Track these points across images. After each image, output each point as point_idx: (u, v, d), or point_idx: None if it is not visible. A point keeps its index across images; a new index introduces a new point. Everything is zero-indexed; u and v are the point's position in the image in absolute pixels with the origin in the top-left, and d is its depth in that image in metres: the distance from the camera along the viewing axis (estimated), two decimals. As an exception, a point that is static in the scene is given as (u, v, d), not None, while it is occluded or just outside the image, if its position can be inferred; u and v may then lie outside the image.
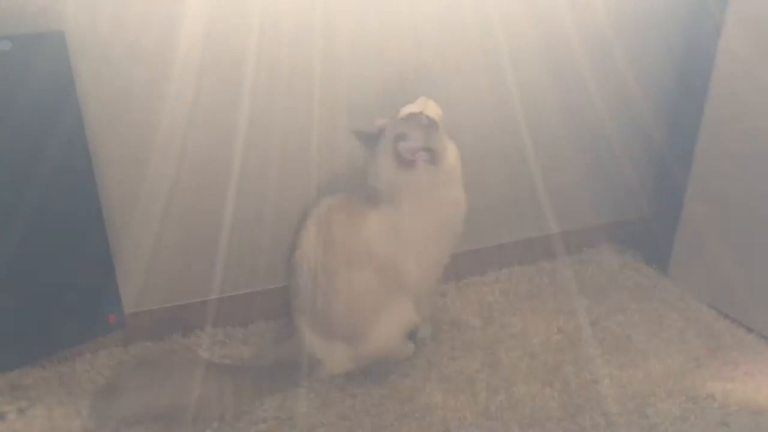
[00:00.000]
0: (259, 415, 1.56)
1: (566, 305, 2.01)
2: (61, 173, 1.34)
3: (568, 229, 2.28)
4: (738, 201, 1.91)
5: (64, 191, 1.35)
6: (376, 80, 1.79)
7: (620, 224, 2.37)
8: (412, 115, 1.58)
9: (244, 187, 1.76)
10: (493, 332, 1.88)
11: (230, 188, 1.74)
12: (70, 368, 1.67)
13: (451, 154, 1.64)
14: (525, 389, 1.66)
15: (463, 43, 1.85)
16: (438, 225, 1.66)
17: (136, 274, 1.72)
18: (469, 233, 2.04)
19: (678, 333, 1.89)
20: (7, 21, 1.37)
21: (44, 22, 1.40)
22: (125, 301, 1.51)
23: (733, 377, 1.72)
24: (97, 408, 1.52)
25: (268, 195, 1.79)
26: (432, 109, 1.61)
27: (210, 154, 1.69)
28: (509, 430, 1.54)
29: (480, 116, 1.96)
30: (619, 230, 2.37)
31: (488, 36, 1.87)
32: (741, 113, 1.86)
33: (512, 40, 1.90)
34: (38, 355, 1.52)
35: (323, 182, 1.83)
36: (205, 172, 1.70)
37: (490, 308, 1.99)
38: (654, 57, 2.14)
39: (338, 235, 1.60)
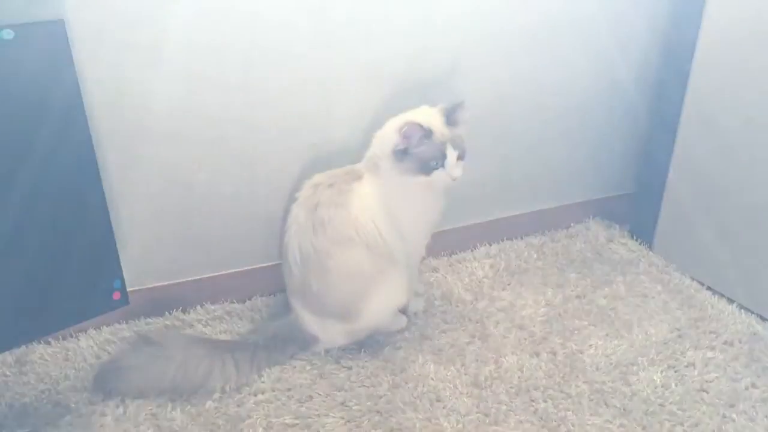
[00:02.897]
0: (258, 387, 1.61)
1: (554, 279, 2.06)
2: (62, 158, 1.36)
3: (556, 204, 2.32)
4: (720, 176, 1.94)
5: (67, 174, 1.38)
6: (367, 64, 1.82)
7: (607, 200, 2.41)
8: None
9: (240, 166, 1.79)
10: (483, 306, 1.93)
11: (227, 167, 1.78)
12: (75, 344, 1.72)
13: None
14: (513, 360, 1.72)
15: (457, 29, 1.88)
16: (420, 203, 1.70)
17: (138, 254, 1.77)
18: (460, 210, 2.10)
19: (661, 304, 1.94)
20: (7, 10, 1.40)
21: (44, 11, 1.43)
22: (127, 279, 1.55)
23: (713, 346, 1.77)
24: (102, 383, 1.57)
25: (263, 173, 1.83)
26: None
27: (206, 135, 1.72)
28: (498, 398, 1.60)
29: (469, 96, 1.97)
30: (605, 206, 2.41)
31: (477, 22, 1.90)
32: (724, 90, 1.89)
33: (500, 23, 1.93)
34: (45, 331, 1.57)
35: (316, 161, 1.86)
36: (202, 152, 1.73)
37: (480, 283, 2.04)
38: (638, 35, 2.16)
39: (326, 215, 1.61)
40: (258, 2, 1.63)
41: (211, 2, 1.58)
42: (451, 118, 1.64)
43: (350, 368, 1.69)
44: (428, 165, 1.59)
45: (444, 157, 1.59)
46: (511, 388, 1.63)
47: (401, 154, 1.60)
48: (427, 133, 1.59)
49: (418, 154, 1.59)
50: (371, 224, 1.63)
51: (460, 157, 1.62)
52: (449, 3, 1.84)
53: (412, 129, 1.57)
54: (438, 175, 1.60)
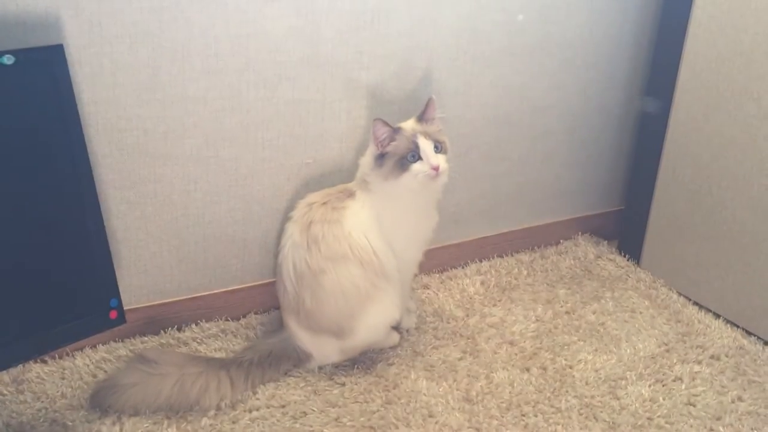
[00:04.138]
0: (252, 404, 1.62)
1: (543, 295, 2.09)
2: (60, 180, 1.38)
3: (545, 222, 2.35)
4: (705, 193, 1.98)
5: (65, 195, 1.39)
6: (359, 85, 1.85)
7: (595, 217, 2.44)
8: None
9: (234, 185, 1.81)
10: (474, 322, 1.95)
11: (222, 187, 1.80)
12: (71, 363, 1.72)
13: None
14: (504, 375, 1.73)
15: (446, 50, 1.91)
16: (412, 219, 1.73)
17: (134, 273, 1.78)
18: (451, 227, 2.12)
19: (649, 319, 1.97)
20: (7, 36, 1.42)
21: (44, 37, 1.46)
22: (123, 298, 1.56)
23: (699, 360, 1.80)
24: (98, 401, 1.58)
25: (257, 193, 1.85)
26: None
27: (202, 155, 1.74)
28: (489, 413, 1.61)
29: (459, 115, 2.02)
30: (594, 222, 2.44)
31: (466, 43, 1.93)
32: (708, 106, 1.93)
33: (490, 44, 1.97)
34: (41, 350, 1.57)
35: (310, 180, 1.89)
36: (197, 172, 1.75)
37: (471, 299, 2.06)
38: (624, 55, 2.21)
39: (320, 232, 1.63)
40: (252, 25, 1.65)
41: (206, 26, 1.61)
42: (422, 116, 1.70)
43: (344, 384, 1.70)
44: (405, 159, 1.62)
45: (417, 147, 1.62)
46: (502, 403, 1.65)
47: (380, 159, 1.65)
48: (396, 129, 1.65)
49: (393, 151, 1.63)
50: (364, 241, 1.65)
51: (438, 150, 1.65)
52: (439, 24, 1.87)
53: (377, 126, 1.63)
54: (417, 167, 1.62)
